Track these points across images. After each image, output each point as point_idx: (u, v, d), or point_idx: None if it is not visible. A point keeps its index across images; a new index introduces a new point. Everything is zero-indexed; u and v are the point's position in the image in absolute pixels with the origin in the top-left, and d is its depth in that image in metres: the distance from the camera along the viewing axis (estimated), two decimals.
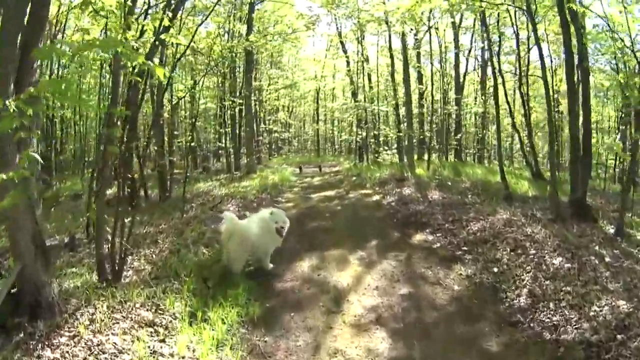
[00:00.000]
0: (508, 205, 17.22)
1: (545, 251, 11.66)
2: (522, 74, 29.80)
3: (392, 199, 21.33)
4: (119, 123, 11.58)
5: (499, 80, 23.50)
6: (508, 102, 28.44)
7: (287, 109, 65.63)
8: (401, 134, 35.53)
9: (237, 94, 37.05)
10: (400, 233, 15.82)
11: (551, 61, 35.70)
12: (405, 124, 31.86)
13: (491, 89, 39.83)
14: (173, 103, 28.91)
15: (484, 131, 44.46)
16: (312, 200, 22.79)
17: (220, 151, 42.23)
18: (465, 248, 13.46)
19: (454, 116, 38.76)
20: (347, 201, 22.39)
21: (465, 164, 35.16)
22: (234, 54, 32.16)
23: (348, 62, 46.06)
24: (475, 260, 12.47)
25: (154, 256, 12.49)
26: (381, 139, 43.48)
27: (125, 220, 11.67)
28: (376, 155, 40.32)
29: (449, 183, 23.14)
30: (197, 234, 14.67)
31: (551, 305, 9.17)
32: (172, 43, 20.13)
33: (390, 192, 23.05)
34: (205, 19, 23.71)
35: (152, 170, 32.46)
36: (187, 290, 10.07)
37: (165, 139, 29.63)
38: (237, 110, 37.67)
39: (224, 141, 39.87)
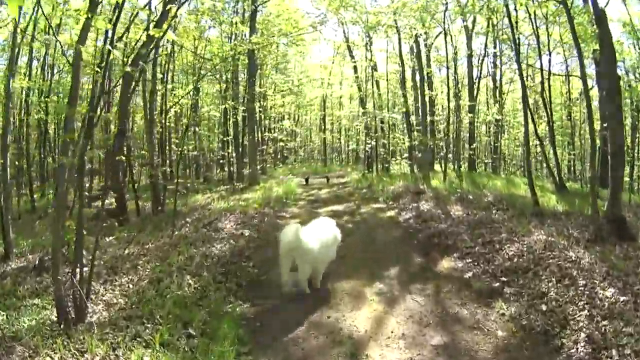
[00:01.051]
0: (540, 223, 15.10)
1: (595, 281, 9.84)
2: (545, 78, 27.09)
3: (409, 215, 19.15)
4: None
5: (522, 82, 20.91)
6: (529, 109, 25.95)
7: (292, 116, 64.52)
8: (414, 143, 33.26)
9: (241, 100, 35.91)
10: (424, 258, 13.77)
11: (567, 67, 34.05)
12: (419, 133, 29.33)
13: (505, 95, 38.61)
14: (167, 108, 26.14)
15: (500, 140, 43.06)
16: (319, 216, 19.76)
17: (221, 160, 40.36)
18: (503, 278, 11.17)
19: (466, 124, 35.97)
20: (358, 217, 20.24)
21: (481, 175, 33.16)
22: (235, 57, 29.97)
23: (356, 69, 44.18)
24: (518, 294, 10.29)
25: (131, 286, 10.99)
26: (391, 148, 41.86)
27: (108, 239, 11.71)
28: (386, 165, 39.23)
29: (470, 197, 20.83)
30: (185, 258, 13.01)
31: (614, 353, 7.47)
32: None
33: (406, 206, 20.85)
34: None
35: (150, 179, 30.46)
36: (159, 341, 7.95)
37: (166, 146, 27.63)
38: (239, 117, 36.44)
39: (227, 150, 38.75)
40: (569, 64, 35.22)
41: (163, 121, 35.14)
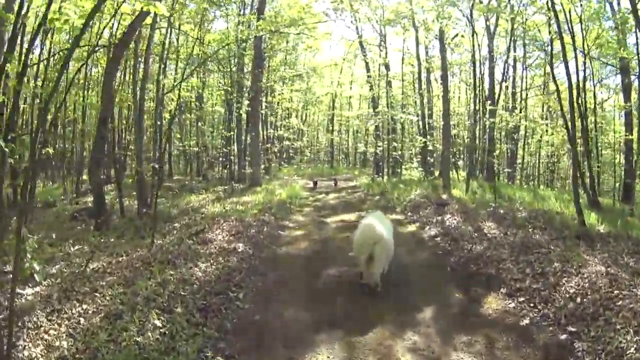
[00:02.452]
0: (589, 248, 12.69)
1: None
2: (580, 82, 24.13)
3: (434, 231, 16.58)
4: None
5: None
6: (564, 115, 23.15)
7: (300, 115, 62.32)
8: (436, 147, 30.93)
9: (246, 94, 33.14)
10: (463, 293, 10.86)
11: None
12: (442, 136, 26.49)
13: (523, 102, 36.27)
14: (159, 96, 23.23)
15: (518, 148, 40.99)
16: (327, 228, 17.99)
17: (222, 158, 37.70)
18: (571, 328, 8.59)
19: (486, 129, 32.51)
20: None
21: (504, 186, 29.81)
22: (240, 46, 28.67)
23: (368, 67, 42.81)
24: (593, 352, 7.77)
25: (82, 320, 8.46)
26: (407, 152, 39.68)
27: (74, 249, 10.55)
28: (398, 170, 37.41)
29: (501, 211, 17.93)
30: (157, 283, 10.10)
31: None
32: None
33: (429, 220, 18.14)
34: None
35: (149, 175, 28.05)
36: None
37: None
38: (243, 110, 33.49)
39: (230, 147, 36.27)
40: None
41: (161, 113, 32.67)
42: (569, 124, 17.55)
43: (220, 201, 22.15)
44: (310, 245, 15.32)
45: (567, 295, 9.60)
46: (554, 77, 21.88)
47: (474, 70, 31.12)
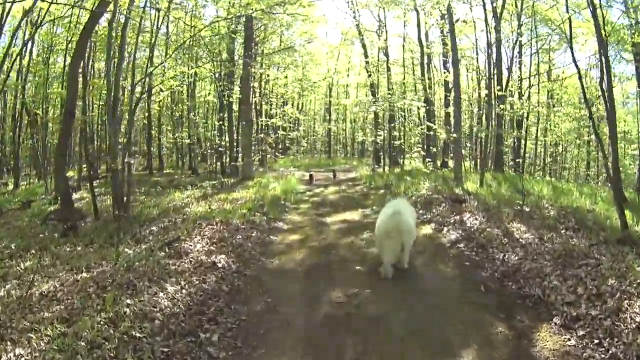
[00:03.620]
0: (638, 256, 10.23)
1: None
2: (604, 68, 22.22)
3: (455, 234, 13.97)
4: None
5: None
6: (587, 102, 20.97)
7: (295, 104, 59.94)
8: (436, 130, 29.15)
9: (237, 83, 32.12)
10: (507, 326, 8.18)
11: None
12: (453, 124, 24.08)
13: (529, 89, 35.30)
14: (141, 79, 20.88)
15: (527, 137, 38.68)
16: (328, 231, 15.43)
17: (213, 151, 35.25)
18: None
19: (494, 116, 30.29)
20: None
21: (515, 177, 27.29)
22: (230, 30, 28.02)
23: (366, 53, 41.43)
24: None
25: None
26: (407, 142, 37.95)
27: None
28: (400, 160, 35.90)
29: (527, 209, 15.36)
30: (109, 319, 7.51)
31: None
32: None
33: (445, 220, 15.57)
34: None
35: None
36: None
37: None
38: (234, 98, 32.66)
39: (223, 139, 34.30)
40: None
41: (147, 105, 33.86)
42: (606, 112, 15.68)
43: (206, 199, 19.93)
44: (307, 255, 12.64)
45: (635, 325, 7.45)
46: (574, 60, 19.94)
47: (489, 50, 29.09)
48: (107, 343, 6.82)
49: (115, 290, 8.64)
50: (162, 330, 7.46)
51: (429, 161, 33.32)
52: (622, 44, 24.16)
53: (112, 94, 17.47)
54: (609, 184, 21.71)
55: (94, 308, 7.95)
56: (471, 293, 9.67)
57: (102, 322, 7.37)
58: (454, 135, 22.62)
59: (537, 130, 37.71)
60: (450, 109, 29.32)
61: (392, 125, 34.33)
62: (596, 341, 7.30)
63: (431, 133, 34.36)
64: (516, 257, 11.07)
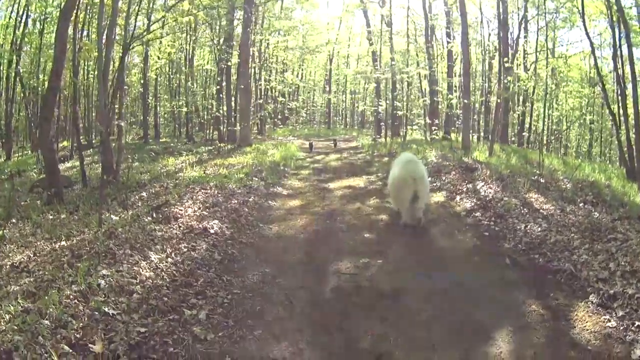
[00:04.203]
0: None
1: None
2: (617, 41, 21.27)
3: (470, 203, 13.01)
4: None
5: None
6: (600, 76, 19.91)
7: (295, 71, 58.16)
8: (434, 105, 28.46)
9: (237, 50, 31.41)
10: (541, 305, 7.24)
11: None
12: (462, 90, 23.10)
13: (540, 63, 35.36)
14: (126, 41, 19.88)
15: (532, 112, 39.31)
16: (331, 197, 14.46)
17: (212, 119, 34.69)
18: None
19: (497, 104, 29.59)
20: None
21: (521, 150, 26.43)
22: None
23: (368, 22, 41.48)
24: None
25: None
26: (414, 111, 37.40)
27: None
28: (403, 131, 34.44)
29: (541, 180, 14.31)
30: (79, 292, 6.41)
31: None
32: None
33: (458, 188, 14.63)
34: None
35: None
36: None
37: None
38: (233, 63, 31.81)
39: (222, 108, 33.31)
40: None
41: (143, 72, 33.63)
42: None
43: (201, 164, 18.89)
44: (310, 221, 11.57)
45: None
46: (587, 34, 19.96)
47: (498, 16, 28.20)
48: (74, 322, 5.74)
49: (91, 260, 7.60)
50: (140, 306, 6.35)
51: (434, 129, 32.46)
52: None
53: (104, 54, 16.61)
54: (621, 161, 20.89)
55: (65, 280, 6.91)
56: (496, 267, 8.68)
57: (71, 297, 6.31)
58: (464, 100, 21.58)
59: (544, 104, 36.90)
60: (455, 79, 28.54)
61: (395, 94, 33.40)
62: (638, 323, 6.43)
63: (435, 103, 33.57)
64: (539, 229, 10.16)
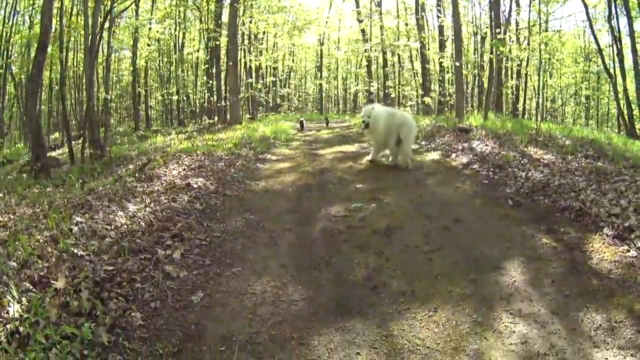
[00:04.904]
0: None
1: None
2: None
3: (466, 158, 12.28)
4: None
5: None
6: (597, 39, 19.30)
7: (287, 56, 56.18)
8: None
9: (225, 32, 30.54)
10: (552, 239, 6.73)
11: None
12: (455, 63, 22.36)
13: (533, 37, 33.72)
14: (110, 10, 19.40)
15: (527, 84, 37.70)
16: (322, 159, 13.74)
17: (201, 101, 34.29)
18: None
19: (490, 66, 28.85)
20: (386, 161, 12.78)
21: (520, 121, 25.83)
22: None
23: (357, 3, 40.45)
24: None
25: None
26: (405, 92, 37.45)
27: None
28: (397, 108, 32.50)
29: (539, 138, 13.69)
30: (49, 237, 6.07)
31: None
32: None
33: (452, 147, 13.86)
34: None
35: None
36: None
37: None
38: (222, 42, 31.05)
39: (212, 95, 32.24)
40: None
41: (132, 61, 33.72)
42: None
43: (191, 139, 18.30)
44: (299, 178, 10.99)
45: None
46: None
47: None
48: (40, 262, 5.35)
49: (68, 211, 7.29)
50: (111, 248, 5.79)
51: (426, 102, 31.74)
52: None
53: (90, 29, 16.34)
54: (620, 122, 20.58)
55: (38, 228, 6.58)
56: (499, 207, 8.19)
57: (41, 241, 5.96)
58: (456, 64, 20.97)
59: (539, 73, 36.40)
60: (446, 61, 28.12)
61: (386, 69, 32.51)
62: None
63: (427, 83, 32.86)
64: (541, 175, 9.65)
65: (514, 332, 4.50)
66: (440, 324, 4.65)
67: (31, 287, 4.85)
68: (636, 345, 4.34)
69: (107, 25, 18.94)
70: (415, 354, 4.19)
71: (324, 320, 4.80)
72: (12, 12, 28.03)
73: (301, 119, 28.04)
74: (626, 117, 20.01)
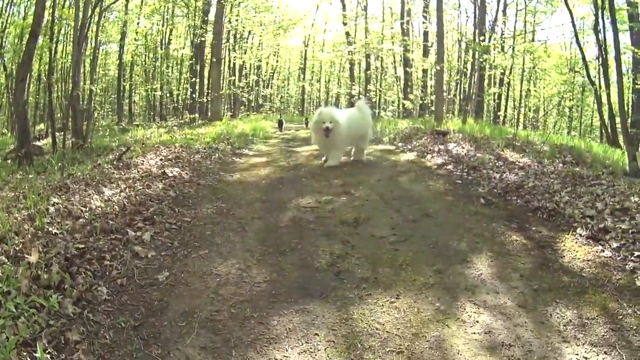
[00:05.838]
0: None
1: None
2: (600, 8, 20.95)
3: (441, 159, 12.45)
4: None
5: None
6: (580, 46, 19.47)
7: (270, 56, 56.06)
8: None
9: (210, 30, 30.48)
10: (523, 236, 6.75)
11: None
12: (436, 56, 22.55)
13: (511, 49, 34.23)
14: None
15: (509, 92, 38.39)
16: (298, 156, 13.97)
17: (185, 97, 34.21)
18: None
19: (472, 70, 28.82)
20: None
21: (499, 127, 25.95)
22: None
23: (344, 7, 40.28)
24: None
25: None
26: (387, 96, 38.33)
27: None
28: (376, 113, 33.48)
29: (516, 143, 14.08)
30: (27, 217, 6.27)
31: None
32: None
33: (428, 149, 13.99)
34: None
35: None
36: None
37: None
38: (208, 40, 31.48)
39: (195, 91, 32.93)
40: None
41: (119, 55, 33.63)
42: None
43: (170, 133, 18.35)
44: (273, 171, 11.10)
45: None
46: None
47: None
48: (16, 238, 5.46)
49: (46, 192, 7.53)
50: (84, 228, 5.87)
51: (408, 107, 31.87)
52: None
53: (80, 19, 16.31)
54: (602, 130, 20.77)
55: (17, 207, 6.84)
56: (470, 204, 8.16)
57: (19, 219, 6.17)
58: (437, 67, 21.04)
59: (521, 84, 36.68)
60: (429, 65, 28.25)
61: (368, 72, 32.70)
62: (637, 253, 6.04)
63: (408, 88, 33.08)
64: (515, 177, 9.68)
65: (477, 321, 4.49)
66: (401, 310, 4.64)
67: (6, 260, 4.97)
68: (610, 342, 4.33)
69: (96, 17, 18.99)
70: (374, 337, 4.20)
71: (284, 301, 4.81)
72: (10, 3, 27.97)
73: (280, 119, 28.16)
74: (608, 126, 20.11)
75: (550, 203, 7.91)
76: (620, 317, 4.73)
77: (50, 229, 5.72)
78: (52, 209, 6.55)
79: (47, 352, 3.57)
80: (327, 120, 10.90)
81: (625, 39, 21.88)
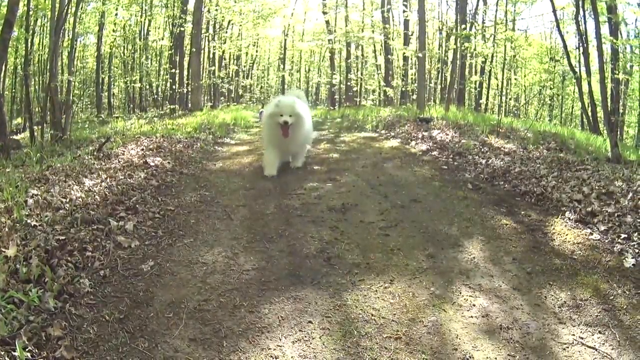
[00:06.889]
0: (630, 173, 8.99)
1: None
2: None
3: (425, 146, 12.46)
4: None
5: None
6: (562, 35, 19.42)
7: (250, 48, 55.81)
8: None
9: (190, 19, 29.51)
10: (513, 221, 6.81)
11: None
12: (418, 54, 22.30)
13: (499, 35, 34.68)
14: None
15: (490, 80, 38.27)
16: None
17: (165, 89, 34.03)
18: None
19: (454, 58, 28.70)
20: (344, 146, 13.20)
21: (482, 115, 25.92)
22: None
23: None
24: None
25: None
26: (368, 86, 38.19)
27: None
28: (357, 99, 35.16)
29: (500, 129, 14.06)
30: (4, 209, 6.00)
31: None
32: None
33: (412, 136, 14.02)
34: None
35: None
36: None
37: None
38: (187, 30, 30.30)
39: (175, 83, 32.29)
40: None
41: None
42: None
43: (150, 124, 18.14)
44: (257, 159, 10.71)
45: None
46: None
47: None
48: None
49: (24, 184, 7.28)
50: (64, 219, 5.67)
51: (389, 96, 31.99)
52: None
53: (57, 9, 15.81)
54: (584, 118, 20.80)
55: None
56: (458, 189, 8.17)
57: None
58: (419, 54, 20.92)
59: (503, 72, 36.78)
60: (414, 39, 28.07)
61: (349, 61, 32.91)
62: (624, 236, 6.10)
63: (389, 77, 33.09)
64: (502, 162, 9.79)
65: (474, 305, 4.46)
66: (396, 295, 4.56)
67: None
68: (604, 322, 4.36)
69: (73, 8, 18.78)
70: (370, 324, 4.11)
71: (275, 289, 4.67)
72: None
73: (261, 109, 28.03)
74: (590, 114, 20.11)
75: (537, 187, 8.02)
76: (612, 297, 4.81)
77: (29, 221, 5.50)
78: (30, 200, 6.34)
79: (27, 349, 3.40)
80: (286, 113, 8.67)
81: (604, 29, 22.00)
